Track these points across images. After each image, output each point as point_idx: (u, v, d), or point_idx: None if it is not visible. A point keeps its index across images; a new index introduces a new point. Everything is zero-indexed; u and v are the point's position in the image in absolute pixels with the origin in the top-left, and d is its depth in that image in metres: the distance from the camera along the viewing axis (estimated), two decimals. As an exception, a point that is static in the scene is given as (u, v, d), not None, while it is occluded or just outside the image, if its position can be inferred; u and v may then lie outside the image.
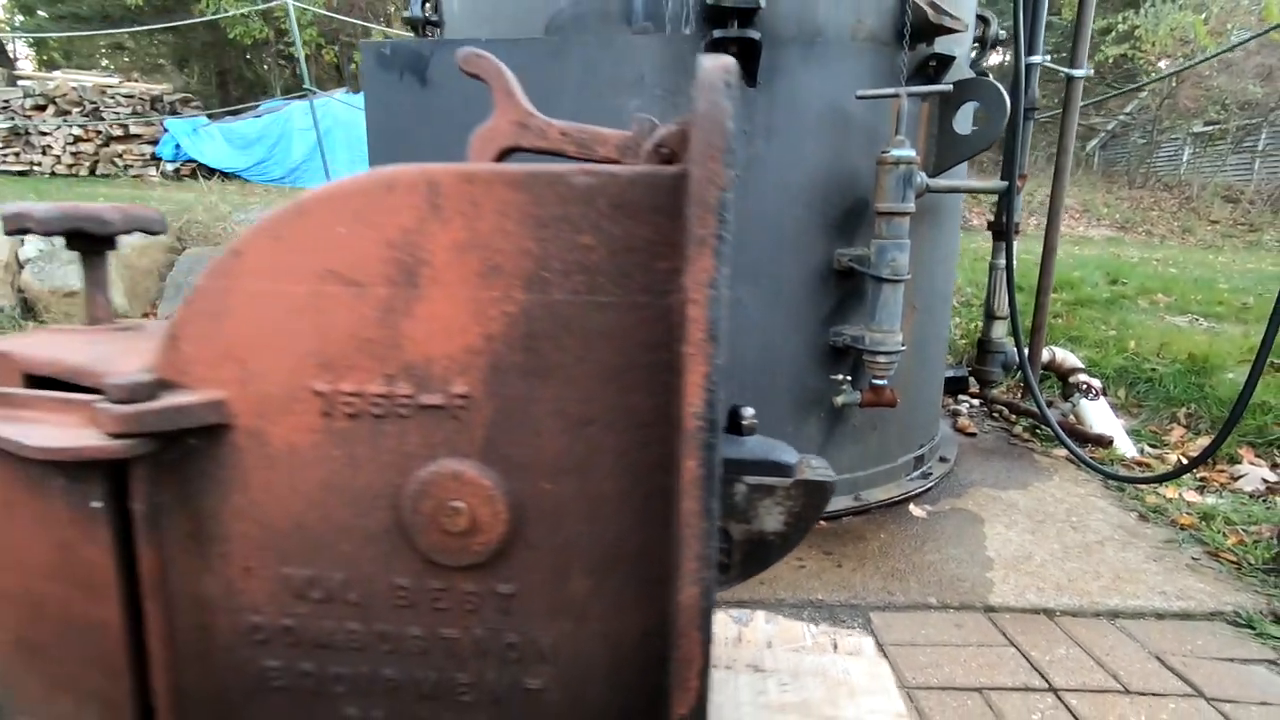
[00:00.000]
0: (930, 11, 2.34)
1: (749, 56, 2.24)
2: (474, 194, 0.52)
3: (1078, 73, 2.81)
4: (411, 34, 3.07)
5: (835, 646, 1.01)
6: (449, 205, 0.52)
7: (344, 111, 11.16)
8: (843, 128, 2.47)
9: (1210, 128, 12.68)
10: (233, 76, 19.25)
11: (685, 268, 0.46)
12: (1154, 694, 1.70)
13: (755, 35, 2.16)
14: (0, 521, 0.60)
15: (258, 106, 13.82)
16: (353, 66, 15.33)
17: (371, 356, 0.55)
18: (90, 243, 0.73)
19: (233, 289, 0.55)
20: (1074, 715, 1.61)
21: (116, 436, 0.53)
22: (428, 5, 3.04)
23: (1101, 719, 1.61)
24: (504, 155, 0.71)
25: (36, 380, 0.64)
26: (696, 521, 0.48)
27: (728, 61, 0.44)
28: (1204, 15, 11.85)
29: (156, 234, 0.75)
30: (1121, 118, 13.27)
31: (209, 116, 12.85)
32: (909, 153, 2.11)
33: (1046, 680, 1.73)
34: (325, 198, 0.53)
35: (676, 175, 0.51)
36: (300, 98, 12.97)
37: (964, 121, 2.64)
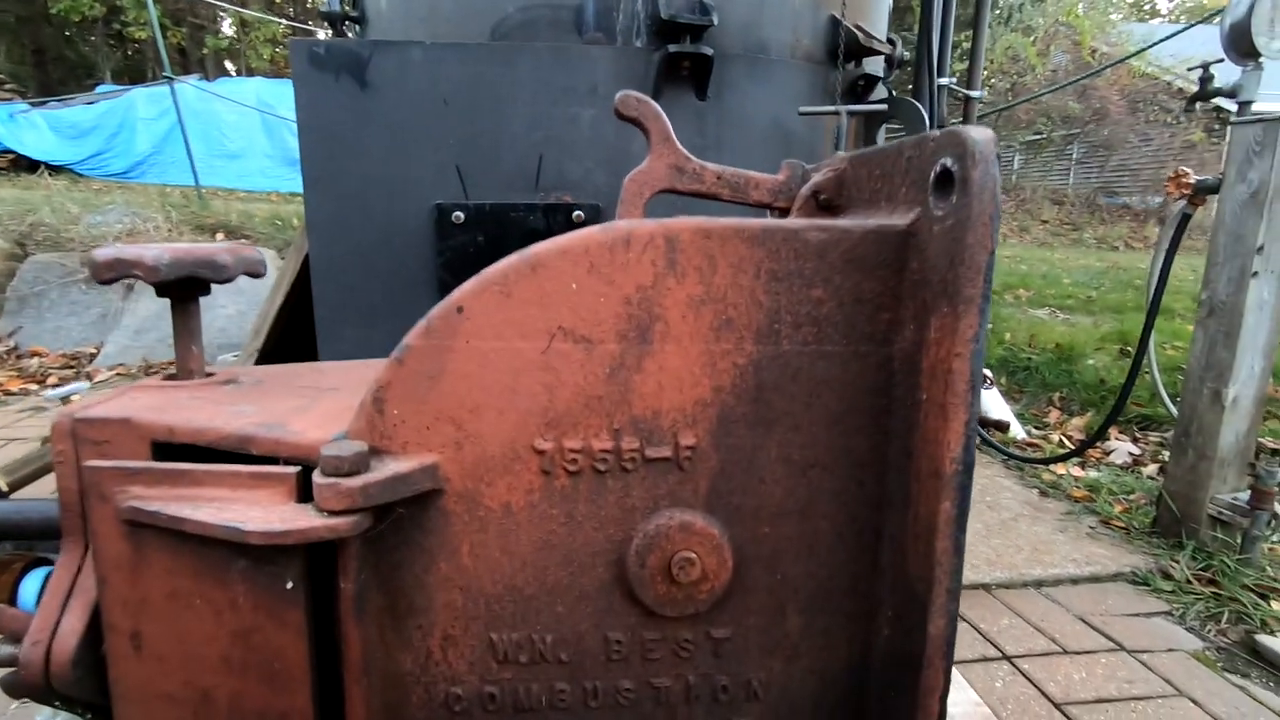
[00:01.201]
0: (861, 35, 2.49)
1: (701, 72, 2.29)
2: (711, 249, 0.53)
3: (974, 93, 3.09)
4: (330, 28, 2.88)
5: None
6: (686, 261, 0.53)
7: (196, 99, 10.20)
8: (785, 142, 2.58)
9: (1038, 137, 14.24)
10: (51, 57, 17.02)
11: (950, 324, 0.49)
12: (1088, 652, 1.92)
13: (709, 51, 2.22)
14: (161, 615, 0.53)
15: (92, 91, 12.38)
16: (204, 51, 14.03)
17: (599, 413, 0.54)
18: (189, 288, 0.66)
19: (452, 348, 0.52)
20: (1028, 679, 1.80)
21: (336, 513, 0.49)
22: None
23: (1051, 679, 1.81)
24: (656, 196, 0.71)
25: (165, 448, 0.57)
26: (948, 559, 0.51)
27: (991, 134, 0.47)
28: (1031, 38, 13.30)
29: (260, 276, 0.68)
30: (965, 127, 14.58)
31: (29, 102, 11.35)
32: (852, 168, 2.23)
33: (1000, 650, 1.92)
34: (559, 252, 0.52)
35: (904, 232, 0.54)
36: (144, 83, 11.72)
37: (881, 138, 2.84)
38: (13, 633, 0.58)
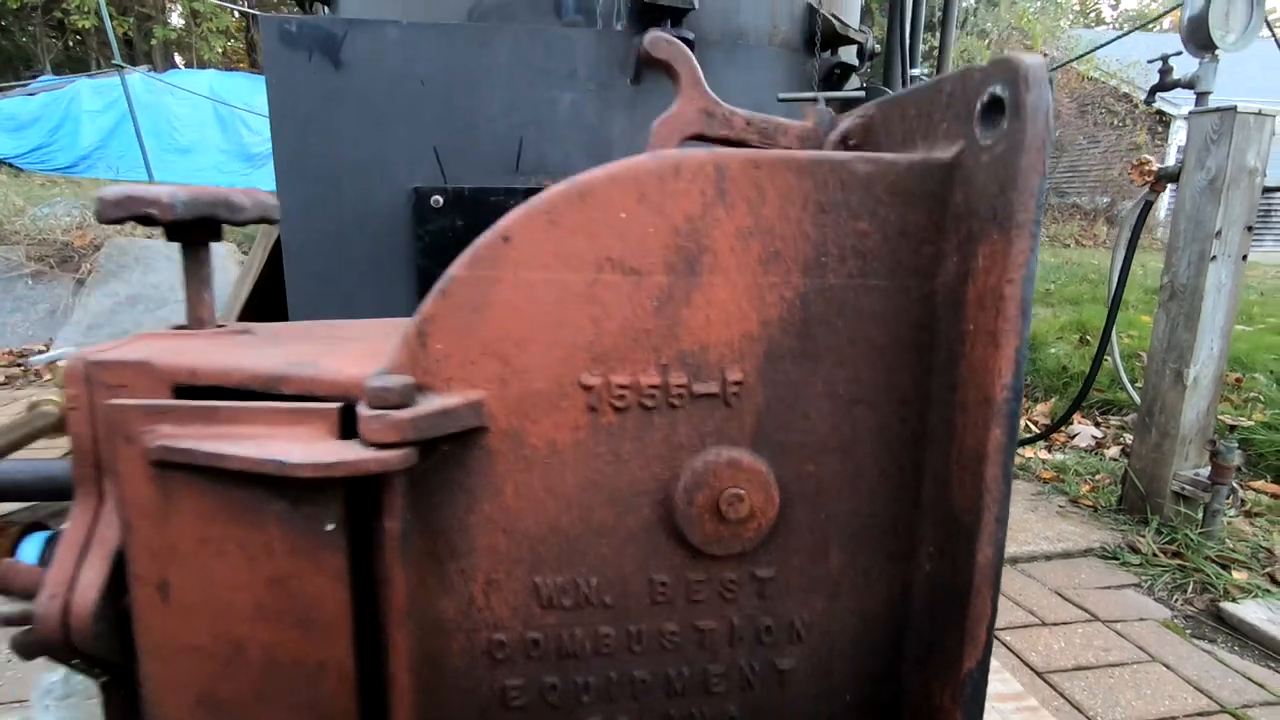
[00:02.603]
0: (837, 23, 2.52)
1: (682, 56, 2.29)
2: (760, 179, 0.52)
3: (943, 86, 3.16)
4: (298, 7, 2.81)
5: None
6: (735, 191, 0.52)
7: (145, 91, 9.85)
8: (764, 128, 2.59)
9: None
10: (-13, 46, 16.25)
11: (1001, 250, 0.49)
12: (1065, 623, 1.98)
13: (690, 35, 2.22)
14: (191, 562, 0.50)
15: (30, 83, 11.88)
16: (153, 41, 13.55)
17: (647, 347, 0.53)
18: (199, 232, 0.63)
19: (499, 279, 0.51)
20: (1010, 650, 1.84)
21: (385, 446, 0.47)
22: (314, -22, 2.80)
23: (1032, 649, 1.85)
24: (685, 142, 0.70)
25: (186, 393, 0.54)
26: (998, 487, 0.52)
27: (1042, 59, 0.48)
28: (986, 41, 13.66)
29: (275, 222, 0.66)
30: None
31: (-37, 92, 10.86)
32: (833, 153, 2.27)
33: (982, 623, 1.96)
34: (608, 179, 0.51)
35: (949, 165, 0.54)
36: (87, 74, 11.28)
37: (857, 126, 2.87)
38: (24, 589, 0.55)
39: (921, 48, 3.47)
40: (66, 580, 0.51)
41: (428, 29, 2.28)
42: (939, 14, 3.44)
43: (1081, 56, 11.14)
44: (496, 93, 2.30)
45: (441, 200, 2.29)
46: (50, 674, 0.74)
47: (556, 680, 0.57)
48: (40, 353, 4.43)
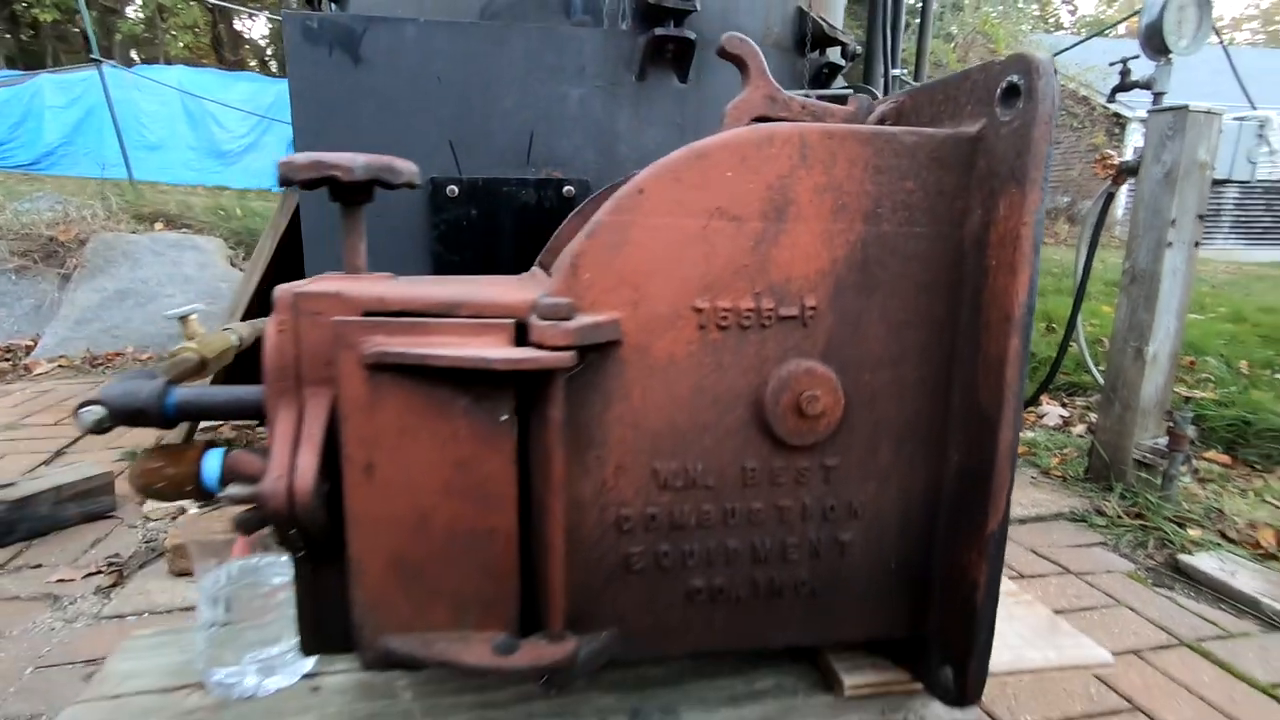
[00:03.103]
0: (825, 25, 2.70)
1: (683, 55, 2.44)
2: (833, 147, 0.67)
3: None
4: (307, 3, 2.90)
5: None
6: (814, 156, 0.67)
7: (112, 87, 9.65)
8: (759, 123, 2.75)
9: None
10: (-60, 40, 15.75)
11: (1018, 201, 0.65)
12: (1039, 575, 2.17)
13: (692, 35, 2.37)
14: (392, 447, 0.63)
15: (-9, 77, 11.57)
16: (116, 36, 13.28)
17: (744, 279, 0.68)
18: (361, 193, 0.75)
19: (634, 223, 0.65)
20: (993, 598, 2.02)
21: (557, 349, 0.61)
22: (324, -24, 2.89)
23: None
24: (752, 123, 0.84)
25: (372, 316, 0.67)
26: (1015, 383, 0.67)
27: (1050, 55, 0.63)
28: (952, 44, 14.04)
29: (417, 187, 0.79)
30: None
31: (-79, 86, 10.56)
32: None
33: (966, 576, 2.14)
34: (719, 146, 0.65)
35: (974, 137, 0.69)
36: (49, 69, 11.05)
37: (842, 123, 3.04)
38: (249, 475, 0.67)
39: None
40: (287, 465, 0.64)
41: (443, 26, 2.40)
42: (916, 19, 3.65)
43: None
44: (509, 89, 2.43)
45: (456, 190, 2.42)
46: (210, 575, 0.86)
47: (668, 548, 0.72)
48: (29, 348, 4.41)
